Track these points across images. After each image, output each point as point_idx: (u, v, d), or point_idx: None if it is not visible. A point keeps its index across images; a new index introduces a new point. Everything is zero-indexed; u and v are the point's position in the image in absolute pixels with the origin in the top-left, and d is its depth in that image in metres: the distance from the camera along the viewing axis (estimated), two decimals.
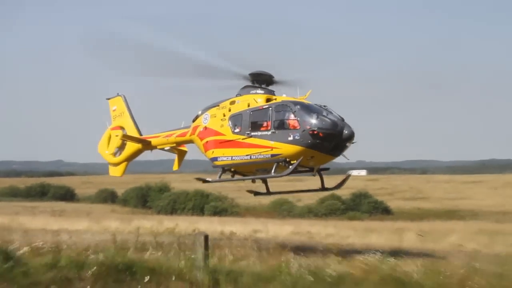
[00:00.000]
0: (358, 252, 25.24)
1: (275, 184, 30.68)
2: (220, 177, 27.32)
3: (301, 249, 25.16)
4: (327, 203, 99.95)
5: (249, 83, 27.78)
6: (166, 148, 31.95)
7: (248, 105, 25.94)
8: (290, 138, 24.07)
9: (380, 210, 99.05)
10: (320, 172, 27.08)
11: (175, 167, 33.15)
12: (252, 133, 25.12)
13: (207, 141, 27.22)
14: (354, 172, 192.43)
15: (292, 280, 15.52)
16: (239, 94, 27.42)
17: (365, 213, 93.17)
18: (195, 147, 30.18)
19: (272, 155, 24.46)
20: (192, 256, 16.46)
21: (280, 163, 24.86)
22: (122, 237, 20.98)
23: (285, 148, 24.18)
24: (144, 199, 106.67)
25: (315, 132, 23.76)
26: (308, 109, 24.65)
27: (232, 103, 26.80)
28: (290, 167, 24.57)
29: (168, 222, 48.89)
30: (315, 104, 25.61)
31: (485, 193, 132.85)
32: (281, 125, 24.62)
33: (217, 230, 39.10)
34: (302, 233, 44.62)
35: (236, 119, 26.06)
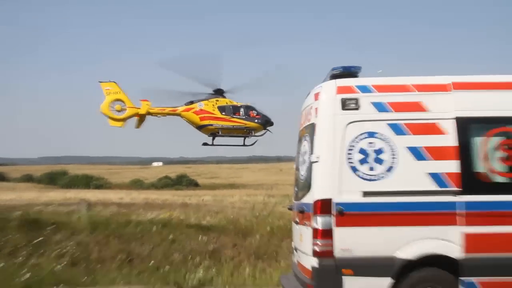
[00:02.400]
0: (179, 206, 25.21)
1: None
2: (218, 133, 27.30)
3: (145, 207, 24.66)
4: (163, 181, 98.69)
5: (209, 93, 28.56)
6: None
7: (226, 103, 27.18)
8: (256, 121, 27.13)
9: (193, 184, 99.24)
10: (246, 137, 28.17)
11: (136, 127, 28.45)
12: (234, 116, 27.10)
13: (204, 116, 26.86)
14: (155, 164, 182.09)
15: (140, 225, 15.15)
16: (205, 99, 26.79)
17: (184, 186, 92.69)
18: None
19: (245, 127, 27.15)
20: (80, 213, 15.61)
21: (246, 131, 27.45)
22: (36, 202, 19.29)
23: (252, 125, 27.08)
24: (53, 180, 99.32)
25: (266, 119, 27.09)
26: (259, 109, 27.58)
27: (217, 100, 27.05)
28: (259, 132, 27.37)
29: (67, 194, 46.16)
30: None
31: (250, 174, 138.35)
32: (249, 114, 27.23)
33: (97, 197, 36.94)
34: (148, 198, 43.52)
35: (222, 108, 27.09)
